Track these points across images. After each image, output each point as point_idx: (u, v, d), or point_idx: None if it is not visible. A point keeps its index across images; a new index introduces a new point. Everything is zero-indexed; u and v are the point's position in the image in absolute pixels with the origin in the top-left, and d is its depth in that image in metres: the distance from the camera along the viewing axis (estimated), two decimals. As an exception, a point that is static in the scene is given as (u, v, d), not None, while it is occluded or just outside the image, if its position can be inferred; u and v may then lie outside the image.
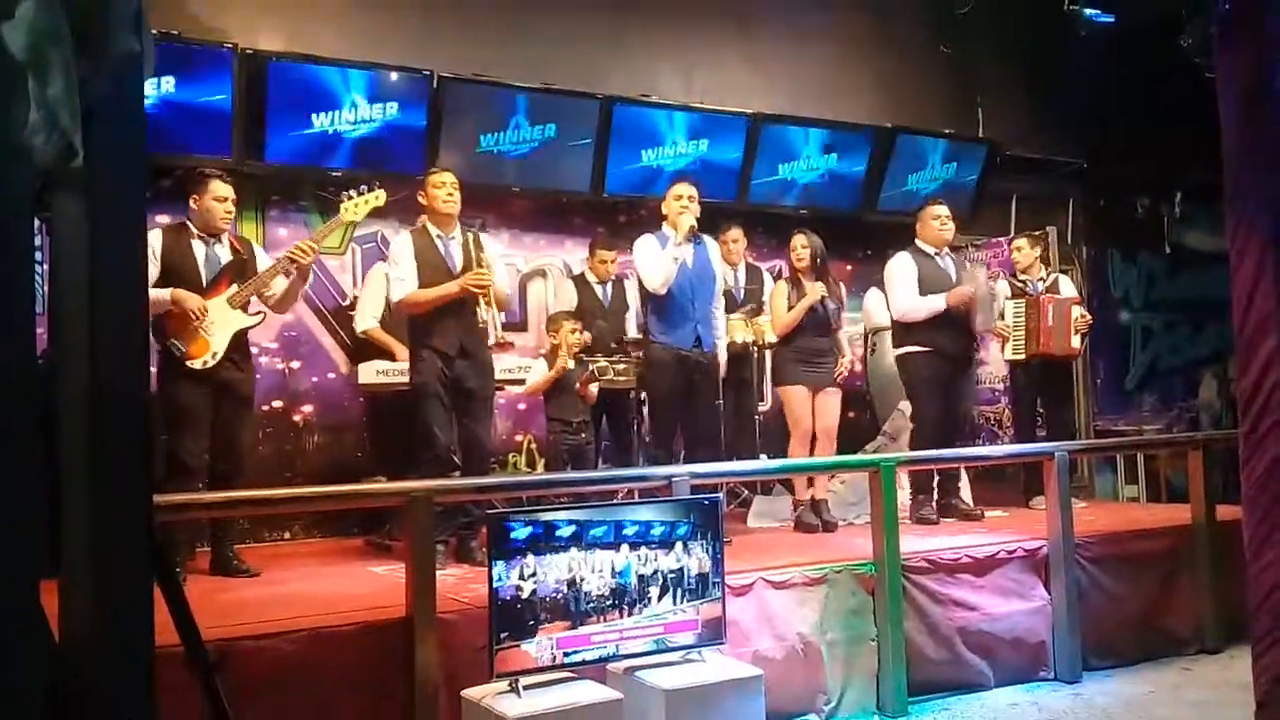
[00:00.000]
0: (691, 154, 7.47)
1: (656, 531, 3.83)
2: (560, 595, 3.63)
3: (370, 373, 5.95)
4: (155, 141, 5.54)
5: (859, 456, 6.06)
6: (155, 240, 4.85)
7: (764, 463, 6.09)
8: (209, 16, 6.21)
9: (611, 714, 3.53)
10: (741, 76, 7.95)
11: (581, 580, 3.67)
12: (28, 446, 1.29)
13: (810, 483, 6.04)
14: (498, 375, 5.53)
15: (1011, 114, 9.00)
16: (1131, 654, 5.30)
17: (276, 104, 6.21)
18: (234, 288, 4.95)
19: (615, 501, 4.87)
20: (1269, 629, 3.21)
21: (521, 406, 7.10)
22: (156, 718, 1.39)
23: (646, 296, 5.90)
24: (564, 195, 7.38)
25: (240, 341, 4.98)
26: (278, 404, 6.58)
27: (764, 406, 7.46)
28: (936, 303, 6.10)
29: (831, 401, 6.04)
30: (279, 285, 5.09)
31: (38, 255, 1.37)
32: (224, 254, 5.03)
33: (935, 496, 6.18)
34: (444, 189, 5.14)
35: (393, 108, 6.50)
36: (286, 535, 6.45)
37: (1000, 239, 8.53)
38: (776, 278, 7.16)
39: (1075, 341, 6.81)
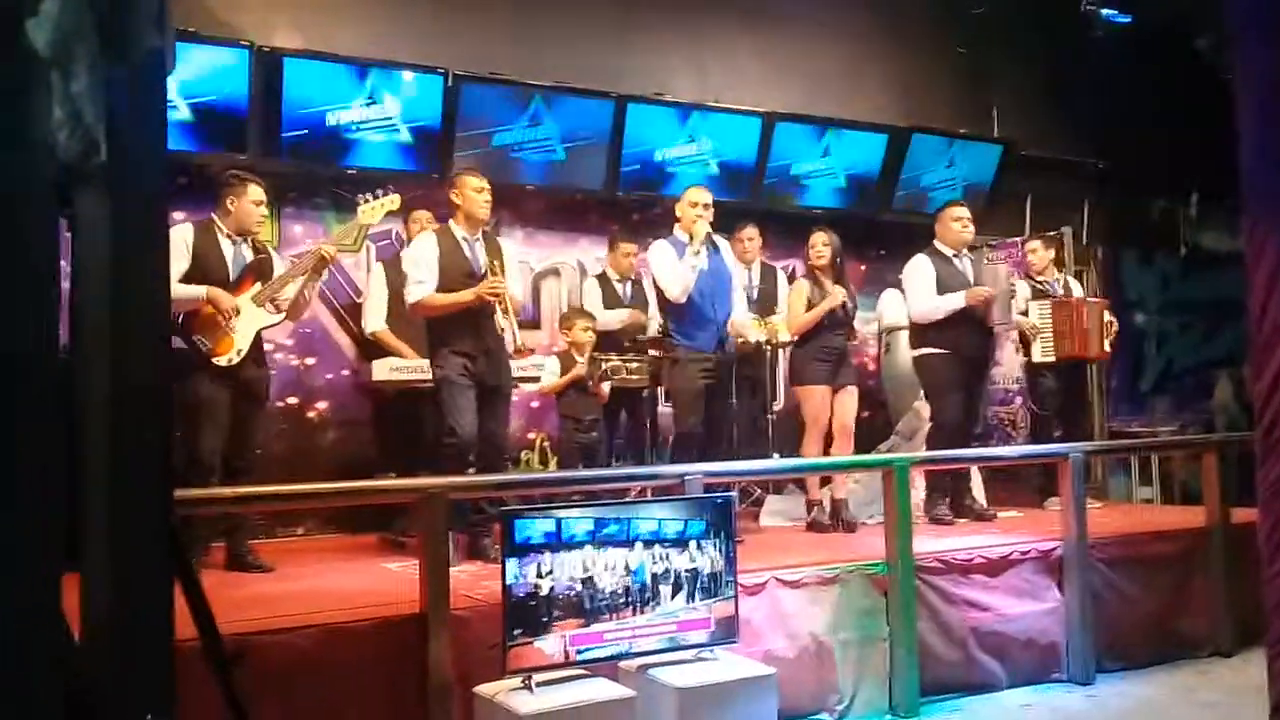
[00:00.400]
0: (705, 153, 7.47)
1: (669, 530, 3.84)
2: (573, 593, 3.64)
3: (384, 370, 5.96)
4: (170, 139, 5.56)
5: (873, 456, 6.05)
6: (188, 235, 4.91)
7: (777, 462, 6.08)
8: (225, 14, 6.24)
9: (624, 712, 3.54)
10: (756, 75, 7.95)
11: (595, 578, 3.68)
12: (48, 441, 1.30)
13: (825, 482, 6.02)
14: (513, 373, 5.53)
15: (1027, 114, 8.98)
16: (1145, 656, 5.28)
17: (292, 102, 6.23)
18: (257, 286, 5.00)
19: (628, 500, 4.88)
20: (1284, 632, 3.19)
21: (534, 404, 7.10)
22: (176, 713, 1.40)
23: (664, 304, 5.89)
24: (578, 194, 7.39)
25: (258, 340, 5.04)
26: (293, 400, 6.61)
27: (777, 406, 7.46)
28: (956, 301, 6.08)
29: (849, 399, 6.04)
30: (290, 290, 5.12)
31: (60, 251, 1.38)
32: (248, 253, 5.09)
33: (949, 497, 6.17)
34: (484, 194, 5.15)
35: (407, 106, 6.52)
36: (300, 531, 6.47)
37: (1015, 239, 8.51)
38: (790, 277, 7.16)
39: (1106, 345, 6.84)
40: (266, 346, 5.29)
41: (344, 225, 5.51)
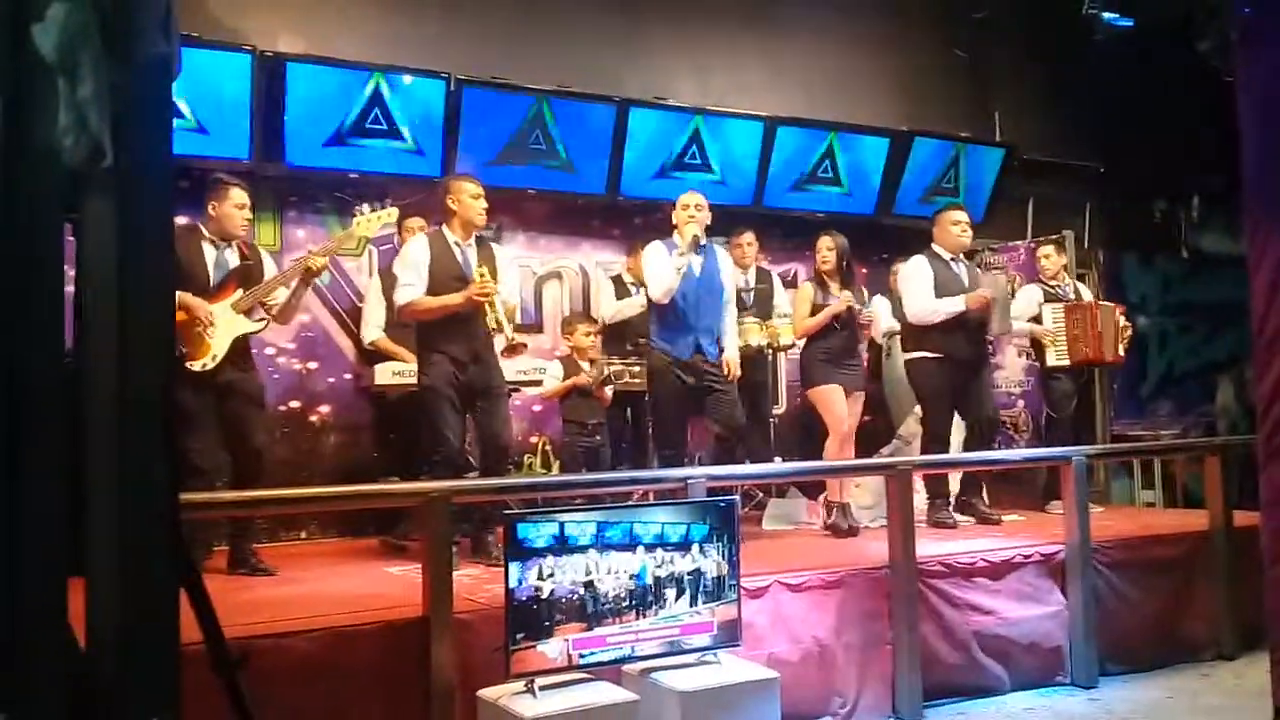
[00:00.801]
0: (707, 157, 7.47)
1: (672, 533, 3.84)
2: (576, 596, 3.64)
3: (386, 374, 5.97)
4: (174, 144, 5.56)
5: (875, 460, 6.05)
6: None
7: (779, 466, 6.08)
8: (228, 19, 6.25)
9: (627, 715, 3.54)
10: (758, 79, 7.96)
11: (597, 582, 3.68)
12: (53, 446, 1.30)
13: (839, 486, 6.01)
14: (514, 376, 5.53)
15: (1028, 117, 8.98)
16: (1148, 660, 5.28)
17: (295, 107, 6.24)
18: (239, 293, 4.98)
19: (631, 503, 4.88)
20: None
21: (537, 408, 7.11)
22: (181, 716, 1.40)
23: (650, 305, 5.84)
24: (579, 198, 7.40)
25: (242, 345, 5.00)
26: (295, 404, 6.61)
27: (778, 410, 7.46)
28: (956, 305, 6.07)
29: (856, 405, 6.02)
30: (280, 295, 5.12)
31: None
32: (233, 258, 5.06)
33: (952, 501, 6.17)
34: (480, 200, 5.15)
35: (410, 110, 6.52)
36: (303, 535, 6.48)
37: (1017, 243, 8.51)
38: (788, 282, 7.16)
39: (1121, 350, 6.85)
40: (268, 351, 5.28)
41: (337, 236, 5.49)
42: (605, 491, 5.11)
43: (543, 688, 3.54)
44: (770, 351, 6.47)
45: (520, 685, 3.53)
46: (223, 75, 6.01)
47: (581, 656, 3.65)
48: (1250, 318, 3.26)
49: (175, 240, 4.83)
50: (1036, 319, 6.86)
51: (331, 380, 6.74)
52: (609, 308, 6.87)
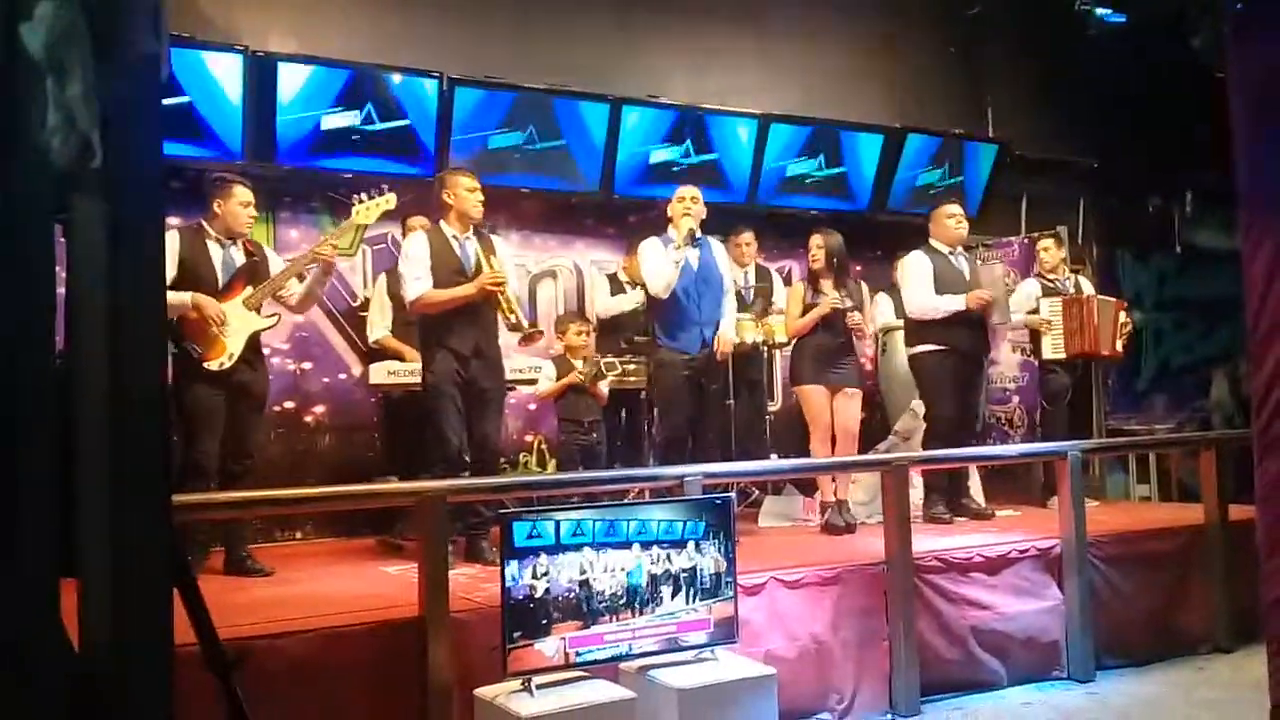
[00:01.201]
0: (701, 154, 7.47)
1: (669, 531, 3.83)
2: (573, 595, 3.64)
3: (381, 373, 5.97)
4: (165, 143, 5.56)
5: (871, 456, 6.04)
6: (173, 241, 4.89)
7: (775, 463, 6.08)
8: (219, 18, 6.23)
9: (624, 713, 3.54)
10: (751, 77, 7.95)
11: (594, 580, 3.68)
12: (44, 447, 1.30)
13: (832, 481, 6.01)
14: (510, 375, 5.53)
15: (1022, 114, 8.99)
16: (1144, 653, 5.29)
17: (286, 106, 6.23)
18: (249, 290, 4.99)
19: (627, 501, 4.88)
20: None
21: (532, 407, 7.10)
22: (176, 719, 1.40)
23: (650, 302, 5.85)
24: (573, 196, 7.39)
25: (254, 343, 5.03)
26: (290, 404, 6.60)
27: (774, 406, 7.46)
28: (956, 303, 6.08)
29: (852, 403, 5.99)
30: (296, 286, 5.12)
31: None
32: (239, 256, 5.07)
33: (948, 496, 6.17)
34: (476, 193, 5.14)
35: (403, 109, 6.51)
36: (298, 535, 6.47)
37: (1011, 239, 8.51)
38: (786, 280, 7.15)
39: (1119, 345, 6.85)
40: (263, 350, 5.28)
41: (339, 226, 5.50)
42: (602, 490, 5.11)
43: (540, 686, 3.53)
44: (766, 348, 6.46)
45: (517, 684, 3.53)
46: (214, 75, 5.99)
47: (578, 655, 3.65)
48: (1244, 312, 3.26)
49: (182, 241, 4.90)
50: (1034, 313, 6.86)
51: (326, 380, 6.73)
52: (603, 303, 6.88)
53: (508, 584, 3.52)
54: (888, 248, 8.07)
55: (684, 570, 3.85)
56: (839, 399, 5.96)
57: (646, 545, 3.79)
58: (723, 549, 3.94)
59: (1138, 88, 8.73)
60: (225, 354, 4.87)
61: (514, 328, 5.14)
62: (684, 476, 4.29)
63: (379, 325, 6.18)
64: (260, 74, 6.15)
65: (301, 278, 5.13)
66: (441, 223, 5.20)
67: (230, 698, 1.70)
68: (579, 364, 5.93)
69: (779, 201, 7.90)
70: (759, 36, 8.05)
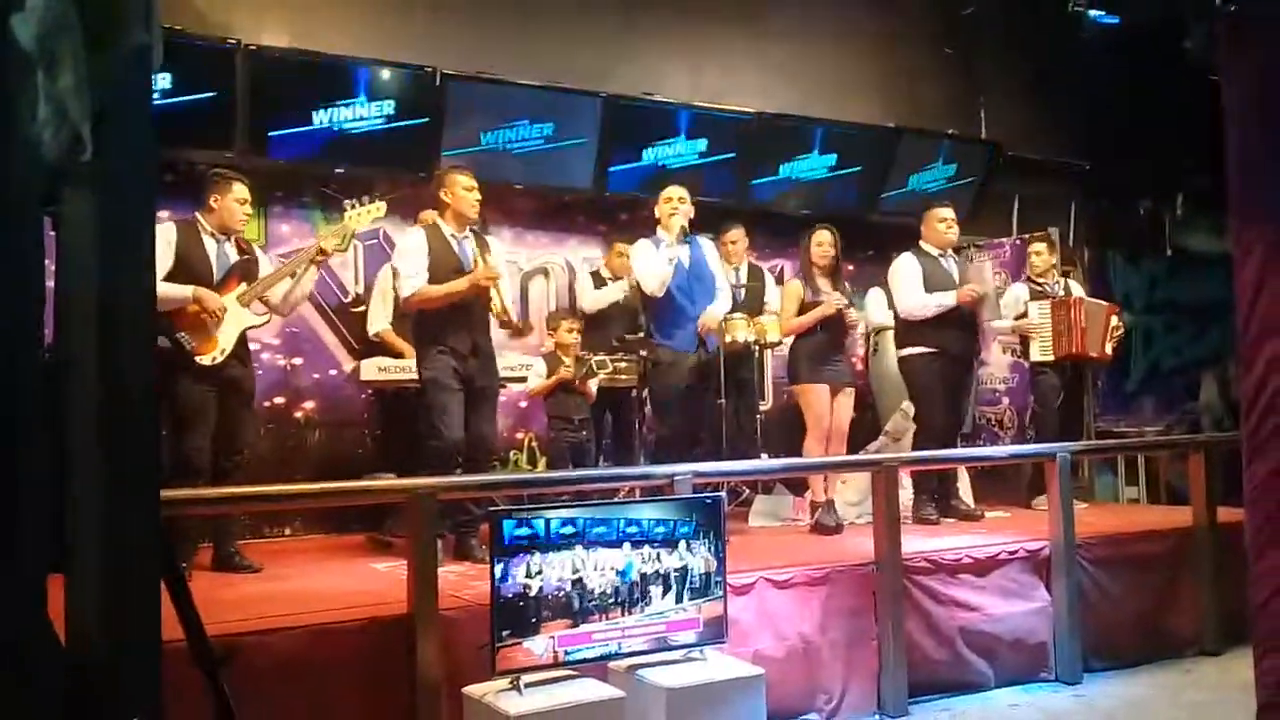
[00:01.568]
0: (694, 153, 7.46)
1: (659, 530, 3.83)
2: (562, 593, 3.63)
3: (372, 370, 5.96)
4: (156, 137, 5.54)
5: (861, 456, 6.05)
6: (170, 234, 4.88)
7: (766, 462, 6.07)
8: (213, 12, 6.21)
9: (613, 712, 3.53)
10: (746, 76, 7.95)
11: (583, 579, 3.67)
12: (33, 442, 1.29)
13: (824, 480, 6.01)
14: (501, 372, 5.52)
15: (1014, 115, 8.99)
16: (1132, 655, 5.30)
17: (280, 101, 6.20)
18: (242, 287, 4.98)
19: (617, 500, 4.87)
20: (1271, 632, 3.20)
21: (523, 404, 7.10)
22: (163, 714, 1.39)
23: (646, 302, 5.87)
24: (566, 194, 7.39)
25: (243, 339, 5.01)
26: (279, 400, 6.59)
27: (765, 405, 7.46)
28: (946, 299, 6.10)
29: (846, 401, 6.01)
30: (282, 288, 5.11)
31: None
32: (232, 253, 5.06)
33: (936, 497, 6.18)
34: (473, 192, 5.14)
35: (396, 105, 6.49)
36: (287, 531, 6.45)
37: (1002, 240, 8.53)
38: (779, 279, 7.15)
39: (1108, 348, 6.86)
40: (253, 346, 5.28)
41: (331, 227, 5.50)
42: (592, 488, 5.10)
43: (528, 685, 3.53)
44: (757, 348, 6.46)
45: (506, 682, 3.52)
46: (207, 69, 5.97)
47: (567, 653, 3.65)
48: (1234, 315, 3.27)
49: (179, 235, 4.88)
50: (1022, 317, 6.87)
51: (316, 376, 6.72)
52: (590, 299, 6.87)
53: (497, 582, 3.51)
54: (880, 248, 8.08)
55: (674, 569, 3.85)
56: (836, 398, 5.98)
57: (637, 544, 3.78)
58: (713, 548, 3.93)
59: (1130, 90, 8.74)
60: (217, 349, 4.85)
61: (505, 324, 5.16)
62: (674, 475, 4.29)
63: (380, 318, 6.17)
64: (253, 68, 6.13)
65: (293, 277, 5.12)
66: (439, 221, 5.20)
67: (218, 694, 1.69)
68: (567, 361, 5.93)
69: (771, 200, 7.89)
70: (754, 36, 8.05)
